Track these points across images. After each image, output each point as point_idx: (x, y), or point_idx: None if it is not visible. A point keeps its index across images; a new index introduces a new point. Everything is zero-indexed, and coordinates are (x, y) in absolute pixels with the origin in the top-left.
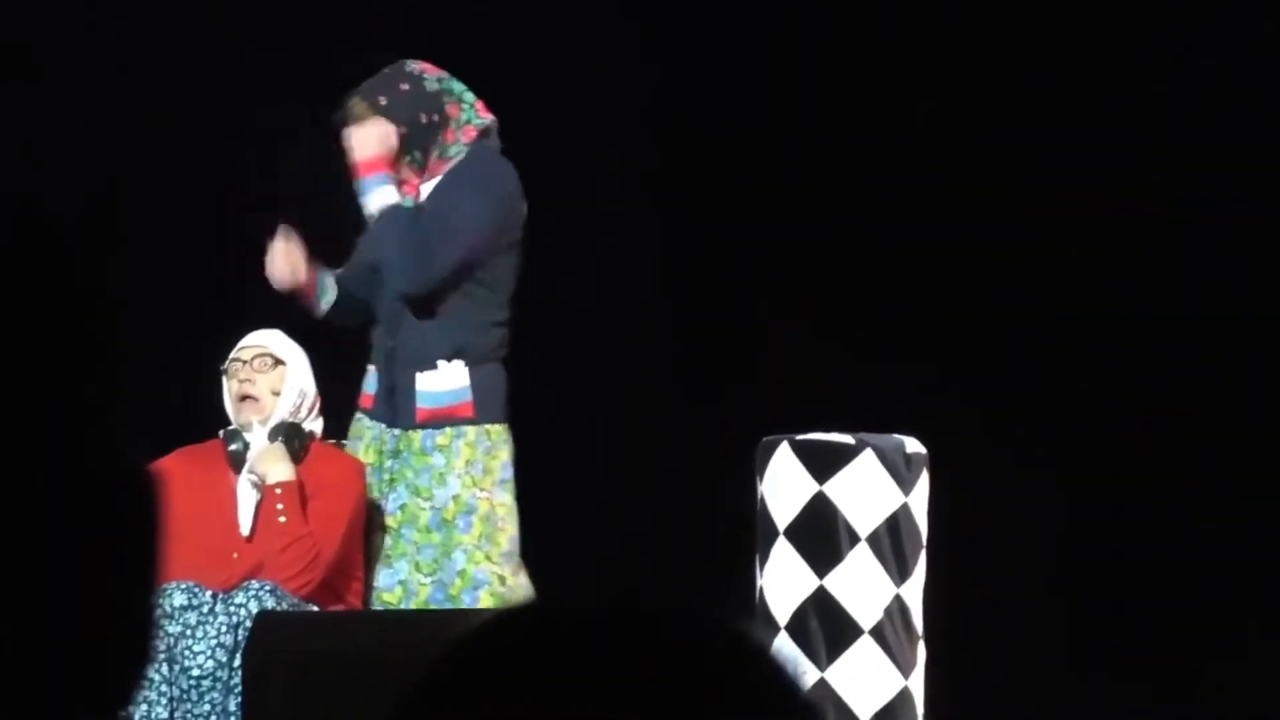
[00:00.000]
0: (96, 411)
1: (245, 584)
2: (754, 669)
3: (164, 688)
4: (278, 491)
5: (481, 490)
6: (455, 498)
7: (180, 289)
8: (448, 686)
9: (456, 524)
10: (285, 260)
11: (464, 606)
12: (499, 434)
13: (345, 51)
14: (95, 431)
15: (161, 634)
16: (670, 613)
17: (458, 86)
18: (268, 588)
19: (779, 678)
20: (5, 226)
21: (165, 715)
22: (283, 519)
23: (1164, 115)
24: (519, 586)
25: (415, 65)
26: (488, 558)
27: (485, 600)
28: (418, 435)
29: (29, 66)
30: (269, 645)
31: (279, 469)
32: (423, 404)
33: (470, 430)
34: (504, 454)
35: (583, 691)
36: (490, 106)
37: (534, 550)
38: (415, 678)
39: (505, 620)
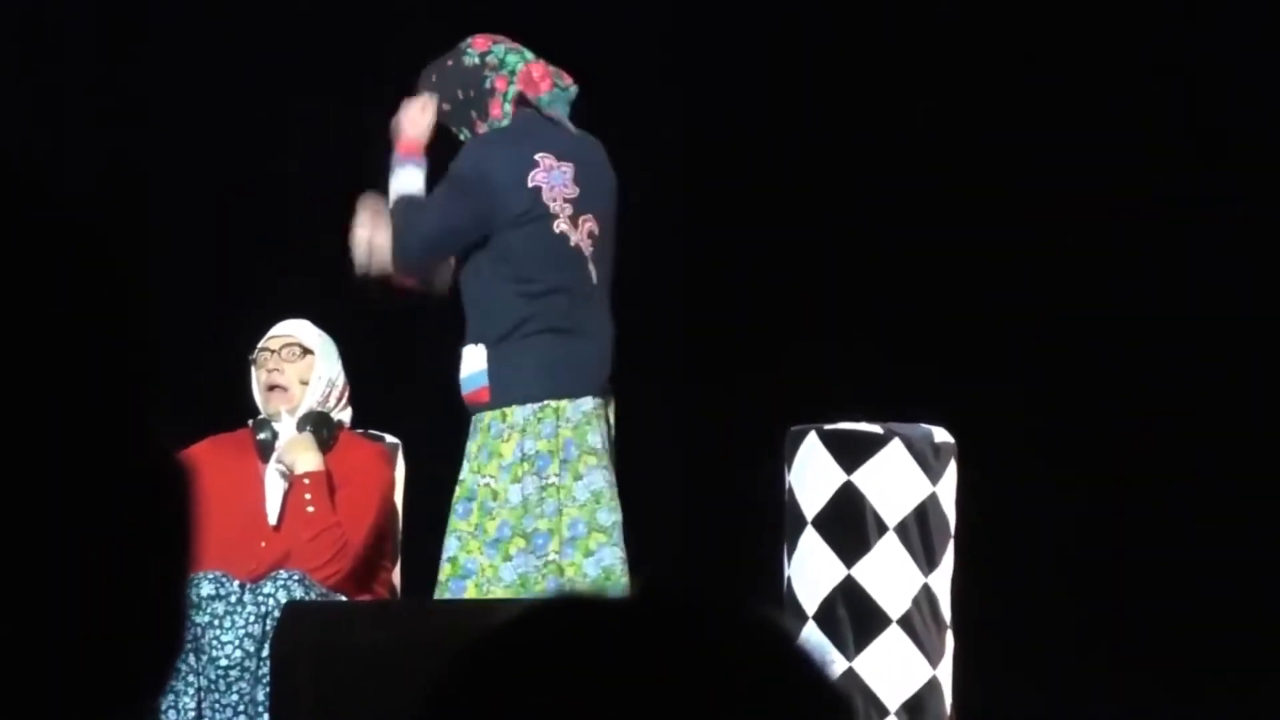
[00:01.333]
0: (129, 398)
1: (273, 574)
2: (783, 659)
3: (191, 678)
4: (306, 481)
5: (484, 476)
6: (461, 483)
7: (210, 278)
8: (475, 681)
9: (457, 509)
10: (359, 235)
11: (451, 596)
12: (515, 416)
13: (366, 45)
14: (128, 419)
15: (189, 624)
16: (698, 603)
17: (512, 59)
18: (296, 577)
19: (808, 668)
20: (35, 216)
21: (192, 705)
22: (311, 509)
23: (1164, 115)
24: (500, 579)
25: (470, 39)
26: (479, 548)
27: (470, 590)
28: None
29: (57, 57)
30: (296, 635)
31: (307, 459)
32: (461, 391)
33: (486, 415)
34: (517, 437)
35: (610, 684)
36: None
37: None
38: (443, 671)
39: (533, 614)
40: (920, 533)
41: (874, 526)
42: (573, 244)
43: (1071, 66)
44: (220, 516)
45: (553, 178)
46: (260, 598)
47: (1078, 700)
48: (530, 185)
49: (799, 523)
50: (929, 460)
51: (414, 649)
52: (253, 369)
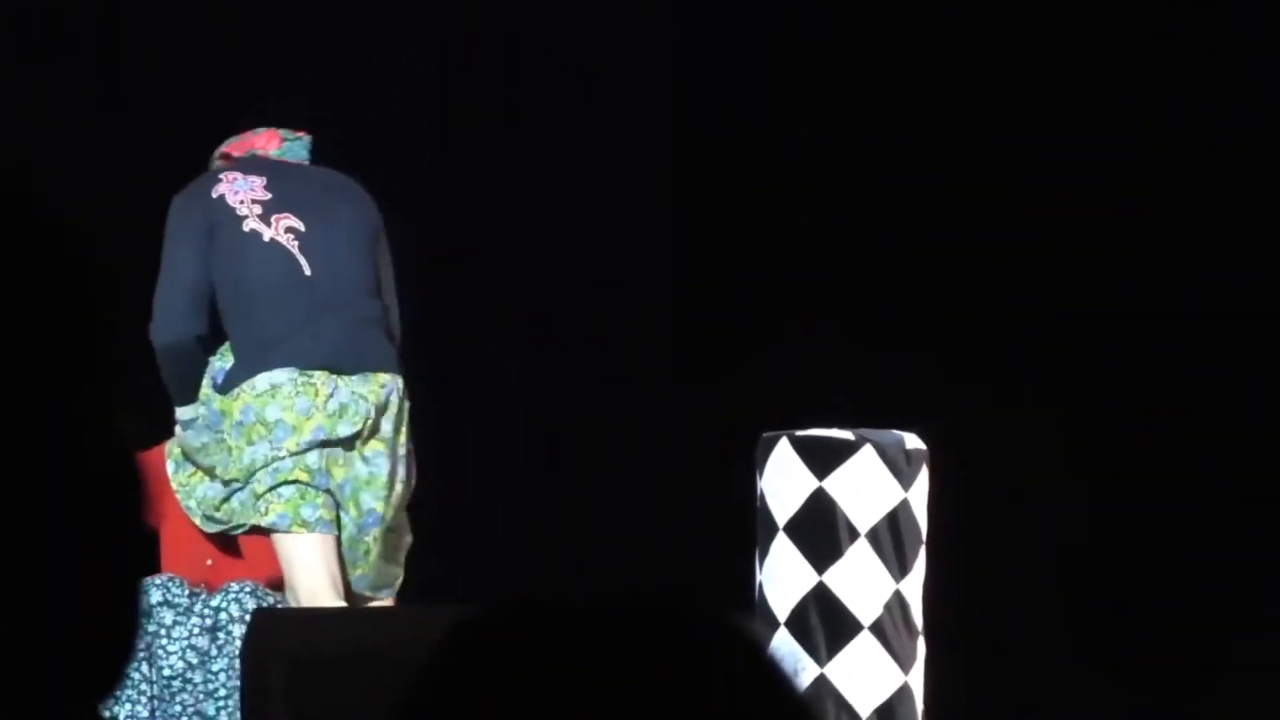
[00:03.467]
0: (86, 404)
1: (225, 585)
2: (750, 666)
3: (145, 686)
4: None
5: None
6: None
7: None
8: (444, 686)
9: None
10: None
11: None
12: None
13: (368, 45)
14: (85, 425)
15: (141, 632)
16: (669, 609)
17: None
18: (248, 589)
19: (775, 674)
20: (4, 217)
21: (145, 714)
22: None
23: (1164, 115)
24: None
25: None
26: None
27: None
28: None
29: (56, 57)
30: (268, 641)
31: None
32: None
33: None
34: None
35: (580, 689)
36: (500, 104)
37: (534, 545)
38: (412, 677)
39: (500, 617)
40: (892, 539)
41: (845, 533)
42: (267, 239)
43: (1071, 66)
44: (176, 522)
45: (236, 186)
46: (209, 610)
47: (1050, 707)
48: (214, 197)
49: (770, 529)
50: (901, 466)
51: (386, 655)
52: None
